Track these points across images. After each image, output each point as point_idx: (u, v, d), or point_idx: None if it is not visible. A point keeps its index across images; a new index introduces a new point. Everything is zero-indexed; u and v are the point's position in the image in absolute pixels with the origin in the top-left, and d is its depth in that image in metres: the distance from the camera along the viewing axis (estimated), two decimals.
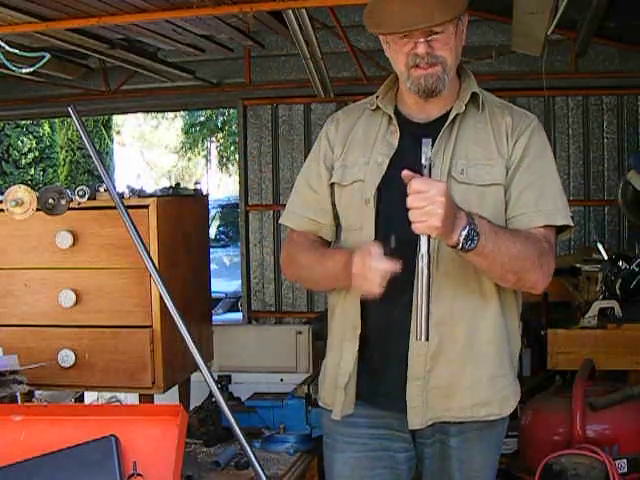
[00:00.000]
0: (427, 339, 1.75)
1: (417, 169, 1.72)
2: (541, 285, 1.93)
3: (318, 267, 2.03)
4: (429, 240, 1.72)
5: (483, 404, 2.00)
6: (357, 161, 2.04)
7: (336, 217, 2.11)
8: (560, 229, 2.00)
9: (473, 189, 1.92)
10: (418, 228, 1.69)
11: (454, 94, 2.02)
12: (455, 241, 1.74)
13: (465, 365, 1.97)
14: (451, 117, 1.98)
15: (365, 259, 1.80)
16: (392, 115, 2.03)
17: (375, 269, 1.78)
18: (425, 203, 1.67)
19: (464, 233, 1.74)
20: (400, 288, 1.85)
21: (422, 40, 1.87)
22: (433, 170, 1.77)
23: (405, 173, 1.71)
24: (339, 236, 2.12)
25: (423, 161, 1.72)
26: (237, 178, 7.05)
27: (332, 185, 2.08)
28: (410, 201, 1.68)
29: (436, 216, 1.67)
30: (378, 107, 2.06)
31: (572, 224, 2.00)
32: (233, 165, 18.47)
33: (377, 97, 2.08)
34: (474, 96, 2.01)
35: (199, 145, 19.80)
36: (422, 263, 1.72)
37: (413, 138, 1.93)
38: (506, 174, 1.96)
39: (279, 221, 2.23)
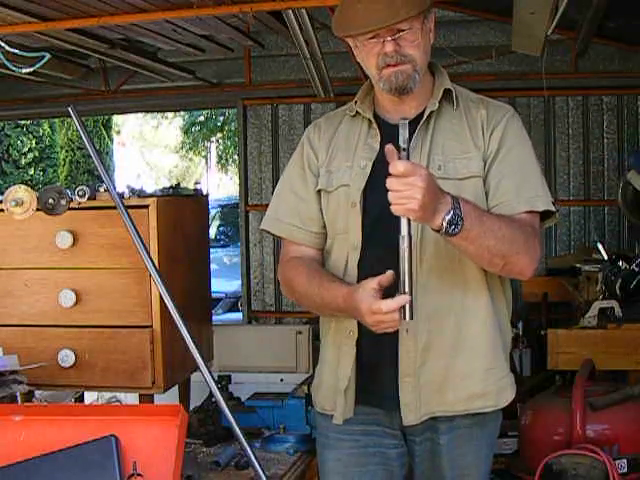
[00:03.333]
0: (412, 318, 1.77)
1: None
2: (528, 270, 1.93)
3: (316, 298, 2.01)
4: (409, 222, 1.74)
5: (478, 396, 2.01)
6: (341, 166, 2.05)
7: (325, 225, 2.10)
8: (544, 217, 2.01)
9: (451, 183, 1.92)
10: (397, 210, 1.71)
11: (428, 92, 2.04)
12: (438, 225, 1.75)
13: (457, 358, 1.98)
14: (426, 115, 2.00)
15: (374, 309, 1.79)
16: (372, 119, 2.04)
17: (388, 313, 1.78)
18: (404, 188, 1.68)
19: (447, 218, 1.74)
20: (393, 286, 1.85)
21: (389, 38, 1.89)
22: None
23: (388, 147, 1.72)
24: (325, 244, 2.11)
25: (401, 143, 1.73)
26: (237, 178, 7.04)
27: (318, 192, 2.09)
28: (390, 183, 1.69)
29: (415, 201, 1.68)
30: (357, 112, 2.08)
31: (554, 209, 2.00)
32: (233, 165, 18.47)
33: (355, 102, 2.09)
34: (447, 92, 2.03)
35: (199, 145, 19.79)
36: (403, 245, 1.74)
37: (393, 140, 1.95)
38: (484, 166, 1.98)
39: (260, 227, 2.20)
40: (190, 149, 20.06)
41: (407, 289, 1.75)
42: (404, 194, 1.68)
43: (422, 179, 1.68)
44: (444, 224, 1.75)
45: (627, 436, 3.07)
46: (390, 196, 1.70)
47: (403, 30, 1.89)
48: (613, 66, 5.83)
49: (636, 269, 3.88)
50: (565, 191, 6.13)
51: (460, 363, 1.99)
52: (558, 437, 3.12)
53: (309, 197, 2.10)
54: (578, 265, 4.28)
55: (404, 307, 1.76)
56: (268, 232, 2.17)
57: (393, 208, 1.71)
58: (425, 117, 2.00)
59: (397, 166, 1.69)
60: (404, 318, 1.77)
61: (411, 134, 1.95)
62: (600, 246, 4.36)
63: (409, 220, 1.74)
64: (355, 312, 1.86)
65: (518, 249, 1.87)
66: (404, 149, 1.72)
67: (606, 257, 4.18)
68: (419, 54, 1.93)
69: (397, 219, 1.75)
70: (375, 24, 1.86)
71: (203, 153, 20.50)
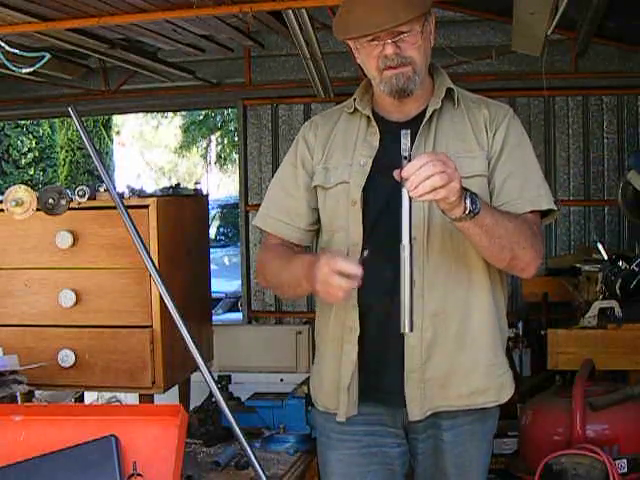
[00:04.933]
0: (411, 330, 1.78)
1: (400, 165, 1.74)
2: (532, 267, 1.95)
3: (284, 273, 2.02)
4: (410, 230, 1.74)
5: (480, 392, 2.03)
6: (339, 163, 2.05)
7: (314, 222, 2.12)
8: (544, 214, 2.04)
9: None
10: (437, 194, 1.69)
11: (429, 92, 2.05)
12: (463, 206, 1.76)
13: (460, 355, 2.00)
14: (428, 114, 2.01)
15: (330, 262, 1.79)
16: (371, 116, 2.05)
17: (339, 275, 1.77)
18: (443, 168, 1.68)
19: (469, 197, 1.77)
20: (396, 283, 1.86)
21: (389, 41, 1.90)
22: None
23: (397, 172, 1.73)
24: (321, 240, 2.13)
25: (403, 153, 1.74)
26: (237, 178, 7.04)
27: (315, 189, 2.09)
28: (429, 168, 1.68)
29: (457, 179, 1.71)
30: (356, 109, 2.08)
31: (556, 208, 2.03)
32: (232, 164, 18.46)
33: (355, 100, 2.10)
34: (449, 92, 2.05)
35: (198, 144, 19.79)
36: (404, 254, 1.75)
37: (393, 137, 1.95)
38: (487, 165, 1.99)
39: (252, 223, 2.24)
40: (188, 148, 20.05)
41: (407, 299, 1.75)
42: (447, 172, 1.68)
43: (449, 158, 1.72)
44: (467, 203, 1.76)
45: (627, 436, 3.06)
46: (427, 184, 1.68)
47: (403, 32, 1.90)
48: (613, 66, 5.83)
49: (636, 269, 3.87)
50: (565, 191, 6.13)
51: (464, 359, 2.00)
52: (558, 437, 3.11)
53: (298, 194, 2.11)
54: (578, 265, 4.27)
55: (404, 318, 1.76)
56: (259, 228, 2.20)
57: (432, 194, 1.70)
58: (428, 116, 2.00)
59: (426, 154, 1.72)
60: (404, 330, 1.77)
61: (414, 133, 1.97)
62: (600, 246, 4.35)
63: (410, 228, 1.74)
64: (311, 273, 1.84)
65: (525, 244, 1.89)
66: (406, 157, 1.73)
67: (606, 257, 4.17)
68: (419, 56, 1.94)
69: (398, 217, 1.75)
70: (375, 27, 1.87)
71: (202, 152, 20.48)
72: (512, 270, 1.99)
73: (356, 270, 1.77)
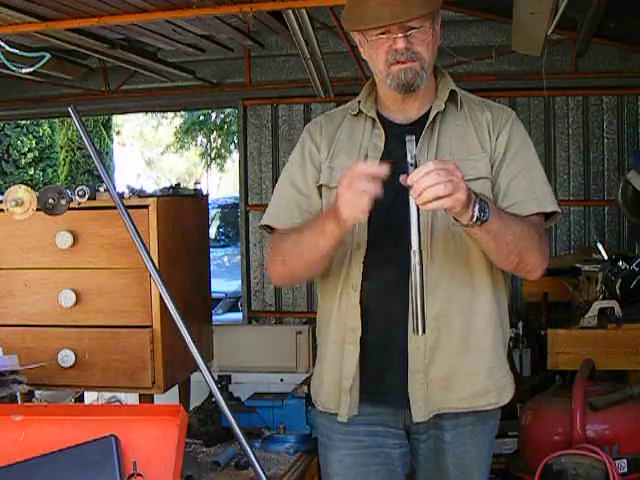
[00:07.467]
0: (424, 332, 1.76)
1: (406, 170, 1.73)
2: (539, 269, 1.96)
3: (303, 235, 1.94)
4: (420, 236, 1.73)
5: (482, 394, 2.03)
6: (345, 164, 2.03)
7: None
8: (547, 216, 2.04)
9: None
10: (443, 203, 1.68)
11: (432, 94, 2.05)
12: (471, 214, 1.75)
13: (463, 356, 2.00)
14: (432, 116, 2.00)
15: (352, 174, 1.75)
16: (376, 118, 2.04)
17: (361, 182, 1.73)
18: (449, 178, 1.67)
19: (477, 206, 1.76)
20: (399, 285, 1.86)
21: (401, 35, 1.89)
22: None
23: (403, 177, 1.72)
24: None
25: (408, 159, 1.73)
26: (236, 178, 7.04)
27: (319, 187, 2.07)
28: (433, 176, 1.66)
29: (462, 190, 1.69)
30: (360, 111, 2.08)
31: (559, 210, 2.03)
32: (232, 164, 18.46)
33: (359, 102, 2.09)
34: (452, 94, 2.04)
35: (197, 144, 19.78)
36: (414, 260, 1.74)
37: (397, 139, 1.94)
38: (491, 168, 1.99)
39: (261, 222, 2.14)
40: (189, 148, 20.05)
41: (419, 304, 1.74)
42: (453, 182, 1.67)
43: (457, 167, 1.70)
44: (476, 211, 1.75)
45: (627, 436, 3.07)
46: (431, 192, 1.67)
47: (414, 28, 1.89)
48: (613, 66, 5.83)
49: (636, 269, 3.87)
50: (565, 191, 6.13)
51: (466, 361, 2.00)
52: (558, 437, 3.12)
53: (309, 191, 2.08)
54: (578, 265, 4.28)
55: (416, 321, 1.75)
56: (267, 227, 2.12)
57: (436, 203, 1.68)
58: (431, 118, 2.00)
59: (433, 162, 1.70)
60: (416, 333, 1.76)
61: (417, 135, 1.96)
62: (600, 246, 4.35)
63: (419, 234, 1.73)
64: (334, 207, 1.78)
65: (532, 247, 1.90)
66: (412, 164, 1.72)
67: (606, 257, 4.18)
68: (427, 53, 1.94)
69: (402, 219, 1.74)
70: (388, 20, 1.87)
71: (202, 152, 20.47)
72: (519, 272, 1.99)
73: (378, 169, 1.73)
